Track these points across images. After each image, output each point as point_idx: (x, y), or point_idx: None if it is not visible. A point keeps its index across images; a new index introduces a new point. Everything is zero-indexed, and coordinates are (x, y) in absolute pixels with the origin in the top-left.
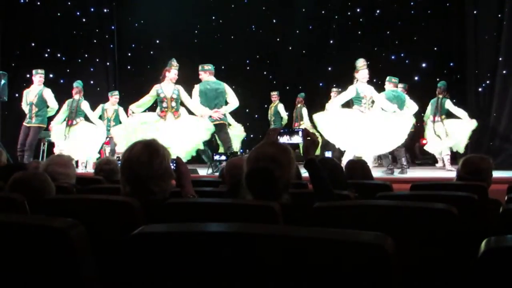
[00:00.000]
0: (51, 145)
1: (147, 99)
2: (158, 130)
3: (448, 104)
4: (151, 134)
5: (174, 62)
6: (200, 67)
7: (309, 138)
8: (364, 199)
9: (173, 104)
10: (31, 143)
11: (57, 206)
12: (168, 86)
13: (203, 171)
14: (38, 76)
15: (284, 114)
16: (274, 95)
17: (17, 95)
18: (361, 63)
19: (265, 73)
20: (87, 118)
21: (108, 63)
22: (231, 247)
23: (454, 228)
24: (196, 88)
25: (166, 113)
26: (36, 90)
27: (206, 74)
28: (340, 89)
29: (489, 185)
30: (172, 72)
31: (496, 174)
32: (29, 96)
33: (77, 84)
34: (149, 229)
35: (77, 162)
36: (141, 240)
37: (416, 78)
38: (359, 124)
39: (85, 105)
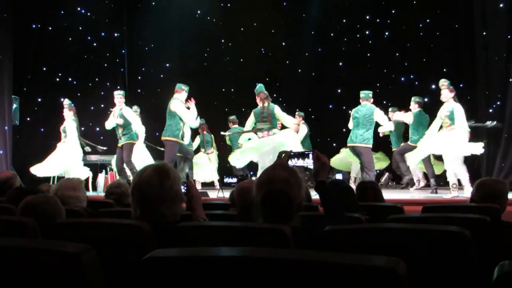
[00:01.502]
0: None
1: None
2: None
3: None
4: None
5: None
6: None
7: (320, 161)
8: (375, 221)
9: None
10: (127, 159)
11: (68, 230)
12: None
13: (213, 194)
14: (118, 97)
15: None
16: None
17: (28, 119)
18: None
19: (274, 95)
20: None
21: (118, 87)
22: (243, 272)
23: (467, 251)
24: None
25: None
26: (117, 111)
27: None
28: (396, 109)
29: (504, 208)
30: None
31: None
32: (114, 118)
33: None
34: (160, 253)
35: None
36: (152, 265)
37: (426, 99)
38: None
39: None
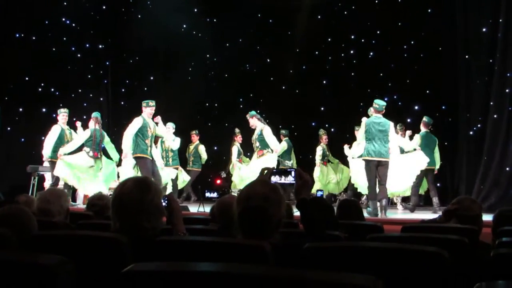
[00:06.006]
0: (41, 179)
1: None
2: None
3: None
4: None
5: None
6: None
7: (302, 178)
8: (355, 240)
9: (257, 144)
10: None
11: (45, 242)
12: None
13: (193, 209)
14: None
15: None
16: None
17: (9, 128)
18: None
19: (258, 111)
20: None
21: (101, 99)
22: (222, 287)
23: (445, 271)
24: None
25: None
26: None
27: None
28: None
29: (481, 229)
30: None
31: (487, 217)
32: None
33: (96, 115)
34: (139, 267)
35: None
36: (131, 278)
37: (408, 120)
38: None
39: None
